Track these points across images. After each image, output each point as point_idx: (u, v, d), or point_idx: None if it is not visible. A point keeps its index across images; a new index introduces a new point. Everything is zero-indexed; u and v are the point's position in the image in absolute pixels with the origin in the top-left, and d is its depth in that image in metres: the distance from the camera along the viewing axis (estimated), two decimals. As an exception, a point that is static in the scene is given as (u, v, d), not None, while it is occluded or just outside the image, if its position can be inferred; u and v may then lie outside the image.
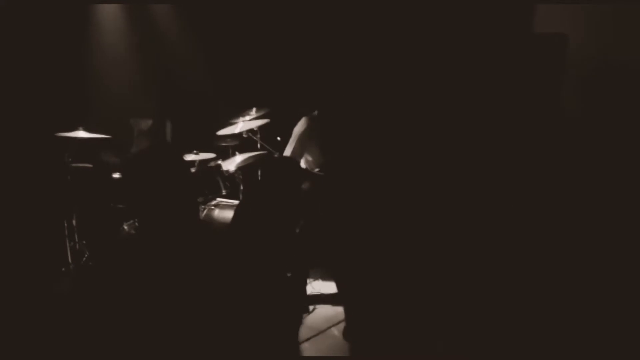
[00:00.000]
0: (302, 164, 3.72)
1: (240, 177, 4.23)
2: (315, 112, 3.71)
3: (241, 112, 4.30)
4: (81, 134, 3.85)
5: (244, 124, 4.30)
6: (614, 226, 3.03)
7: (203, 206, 4.21)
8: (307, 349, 3.07)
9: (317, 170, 3.69)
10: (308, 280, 3.69)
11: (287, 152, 3.71)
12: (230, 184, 4.24)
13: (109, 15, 4.82)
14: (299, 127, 3.71)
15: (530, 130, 3.38)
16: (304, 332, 3.19)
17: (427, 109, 3.55)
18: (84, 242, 4.10)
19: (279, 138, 4.63)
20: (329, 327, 3.32)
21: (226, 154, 4.47)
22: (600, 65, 3.34)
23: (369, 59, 3.76)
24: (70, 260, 3.93)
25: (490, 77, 3.43)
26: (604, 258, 2.95)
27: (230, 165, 4.19)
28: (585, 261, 2.97)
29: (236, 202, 4.25)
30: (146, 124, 5.00)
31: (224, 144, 4.62)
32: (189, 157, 4.16)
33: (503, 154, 3.37)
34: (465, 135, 3.47)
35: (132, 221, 3.89)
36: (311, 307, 3.56)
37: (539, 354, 2.67)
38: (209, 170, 4.19)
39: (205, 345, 1.58)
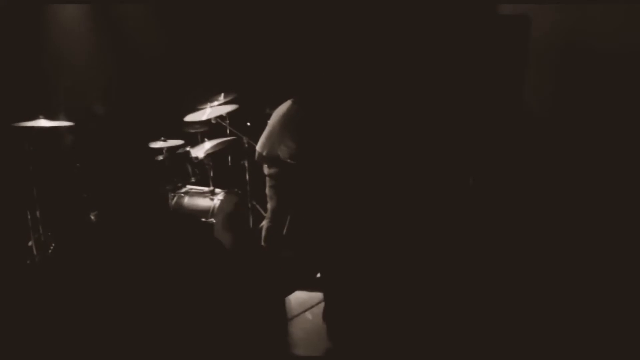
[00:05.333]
0: (280, 150, 3.44)
1: (210, 164, 4.17)
2: (302, 97, 3.50)
3: (209, 97, 4.23)
4: (42, 122, 3.72)
5: (212, 110, 4.23)
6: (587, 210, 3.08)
7: (173, 194, 4.15)
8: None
9: (288, 160, 3.50)
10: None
11: (265, 134, 3.51)
12: (200, 170, 4.18)
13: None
14: (283, 109, 3.47)
15: (490, 114, 3.40)
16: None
17: (390, 93, 3.52)
18: (49, 233, 3.99)
19: (248, 123, 4.58)
20: (303, 312, 3.34)
21: (195, 141, 4.40)
22: (566, 49, 3.37)
23: (335, 36, 3.69)
24: (35, 252, 3.82)
25: (451, 57, 3.41)
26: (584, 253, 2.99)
27: (199, 151, 4.12)
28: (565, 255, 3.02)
29: (206, 189, 4.19)
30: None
31: (192, 130, 4.55)
32: (157, 144, 4.06)
33: (468, 141, 3.39)
34: (428, 120, 3.46)
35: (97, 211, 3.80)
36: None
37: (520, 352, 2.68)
38: (178, 157, 4.11)
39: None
